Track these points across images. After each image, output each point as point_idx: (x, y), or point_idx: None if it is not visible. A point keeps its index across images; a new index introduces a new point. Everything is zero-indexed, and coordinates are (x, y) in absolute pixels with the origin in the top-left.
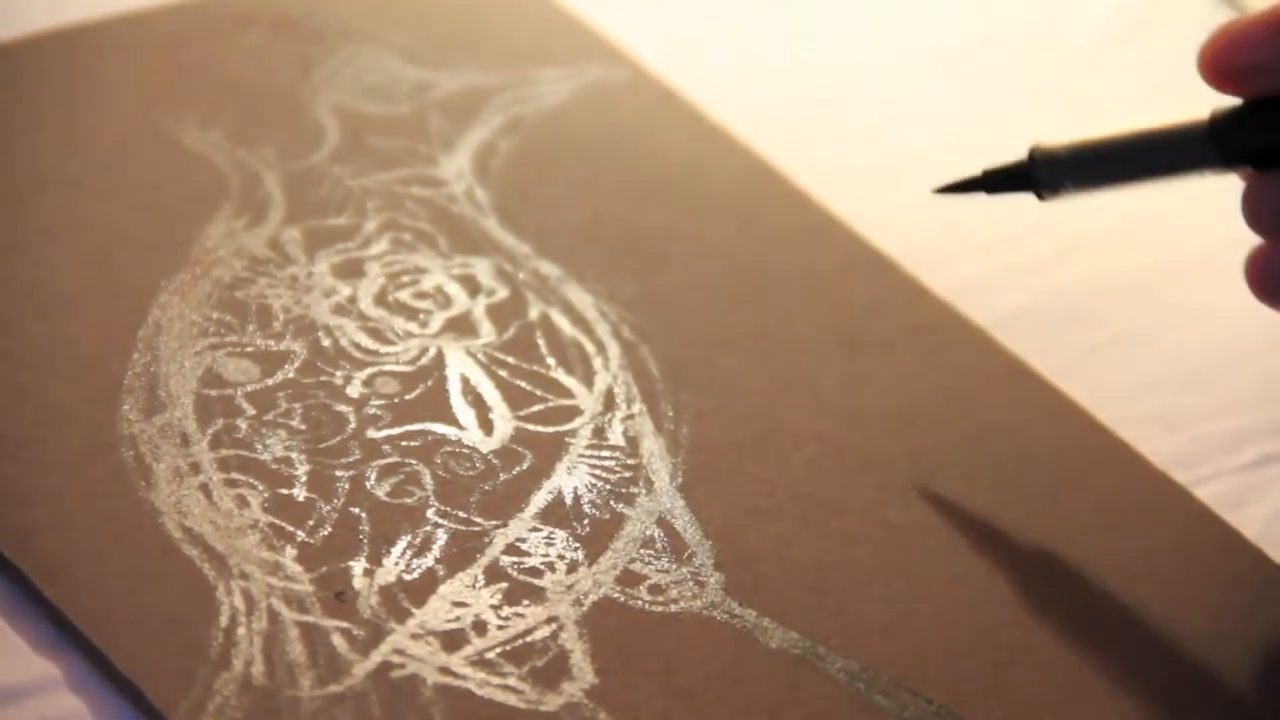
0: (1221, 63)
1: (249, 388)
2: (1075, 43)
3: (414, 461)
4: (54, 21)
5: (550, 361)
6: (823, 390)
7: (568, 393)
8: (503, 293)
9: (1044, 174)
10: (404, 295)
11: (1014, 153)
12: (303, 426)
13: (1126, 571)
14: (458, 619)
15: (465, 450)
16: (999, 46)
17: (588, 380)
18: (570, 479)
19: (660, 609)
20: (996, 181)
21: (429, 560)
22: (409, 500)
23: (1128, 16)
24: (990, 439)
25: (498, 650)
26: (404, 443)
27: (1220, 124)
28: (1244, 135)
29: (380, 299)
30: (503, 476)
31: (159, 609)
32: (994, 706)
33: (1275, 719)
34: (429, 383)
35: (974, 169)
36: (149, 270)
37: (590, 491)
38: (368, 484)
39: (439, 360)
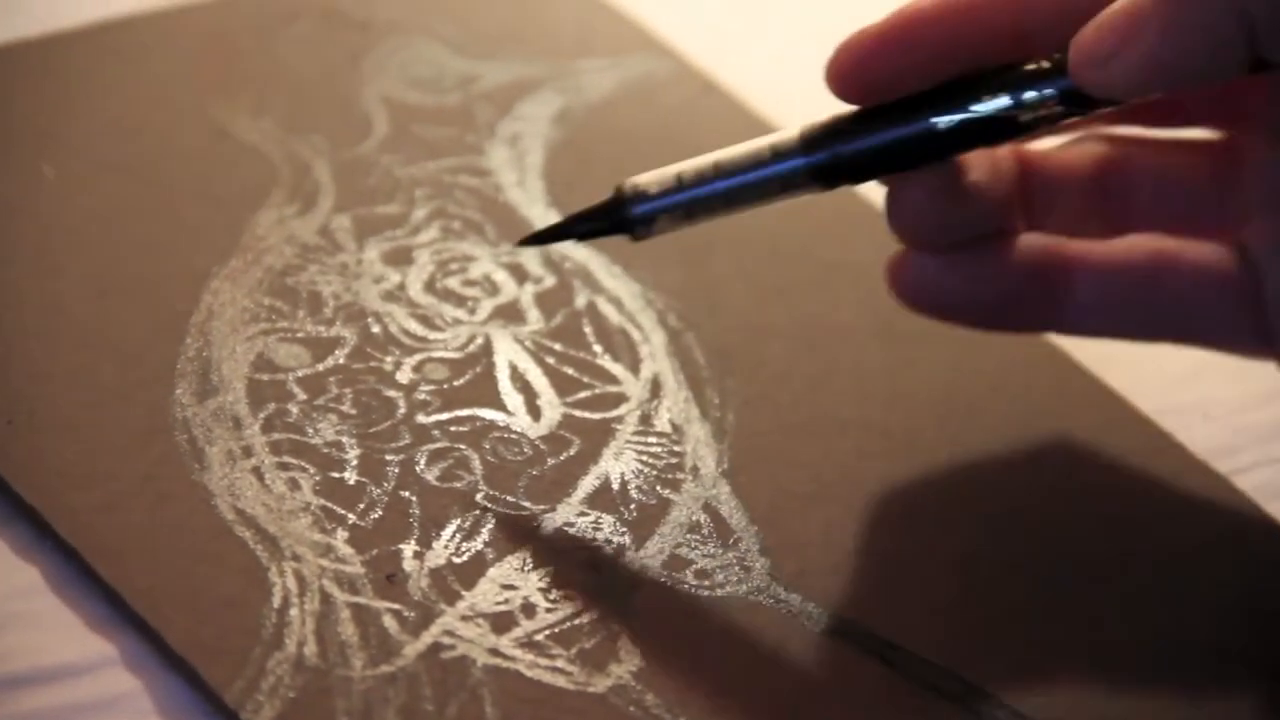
0: (847, 77)
1: (300, 373)
2: None
3: (463, 446)
4: (105, 13)
5: (597, 348)
6: (866, 377)
7: (614, 379)
8: (550, 280)
9: (637, 212)
10: (453, 282)
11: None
12: (353, 411)
13: (1168, 561)
14: (507, 601)
15: (514, 436)
16: None
17: (634, 367)
18: (617, 465)
19: (706, 593)
20: (585, 226)
21: (478, 543)
22: (458, 484)
23: None
24: (1031, 428)
25: (546, 633)
26: (453, 428)
27: (811, 137)
28: (833, 146)
29: (429, 286)
30: (550, 462)
31: (213, 590)
32: (1039, 692)
33: None
34: (478, 369)
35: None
36: (201, 256)
37: (637, 477)
38: (418, 468)
39: (487, 347)
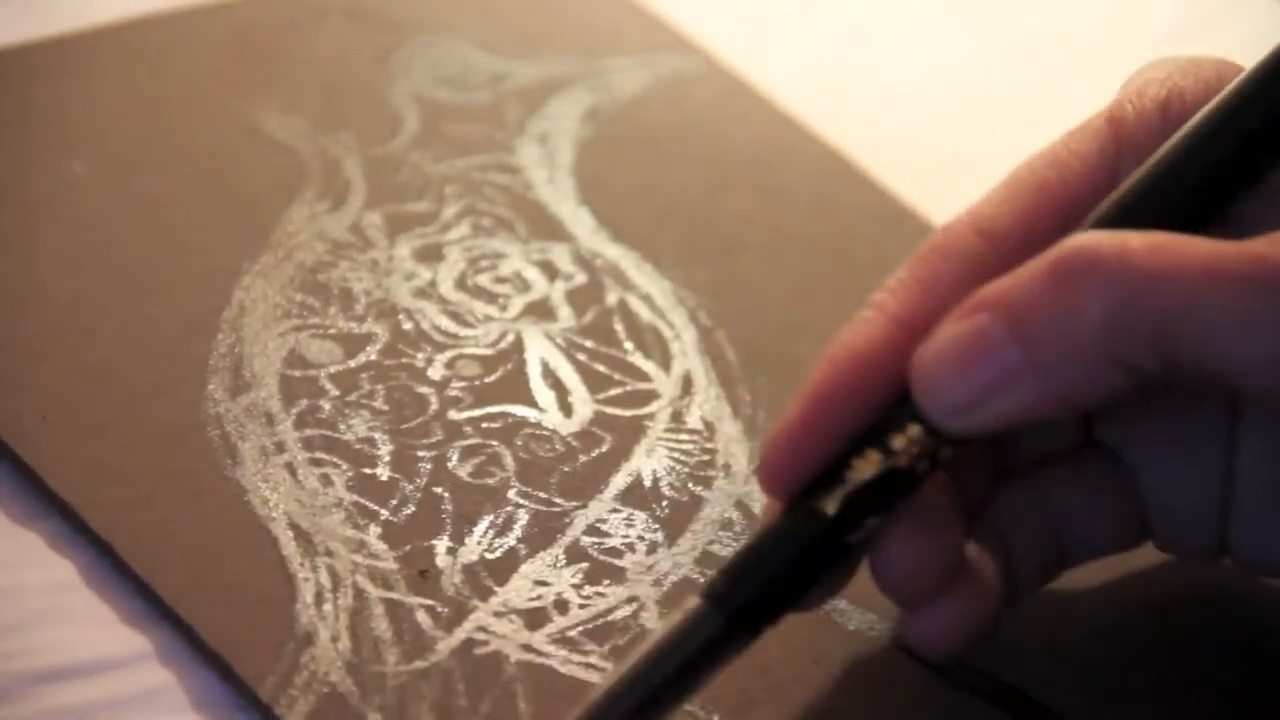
0: (781, 483)
1: (332, 369)
2: (1145, 37)
3: (495, 443)
4: (136, 10)
5: (628, 346)
6: None
7: (646, 377)
8: (581, 278)
9: None
10: (483, 279)
11: None
12: (385, 407)
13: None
14: (539, 597)
15: (545, 432)
16: (1070, 39)
17: (665, 364)
18: (649, 461)
19: None
20: None
21: (511, 540)
22: (491, 481)
23: (1199, 12)
24: None
25: (579, 629)
26: (485, 424)
27: (716, 593)
28: (742, 599)
29: (460, 283)
30: (582, 458)
31: (246, 585)
32: (1071, 690)
33: None
34: (509, 366)
35: None
36: (232, 253)
37: (669, 474)
38: (450, 464)
39: (519, 344)
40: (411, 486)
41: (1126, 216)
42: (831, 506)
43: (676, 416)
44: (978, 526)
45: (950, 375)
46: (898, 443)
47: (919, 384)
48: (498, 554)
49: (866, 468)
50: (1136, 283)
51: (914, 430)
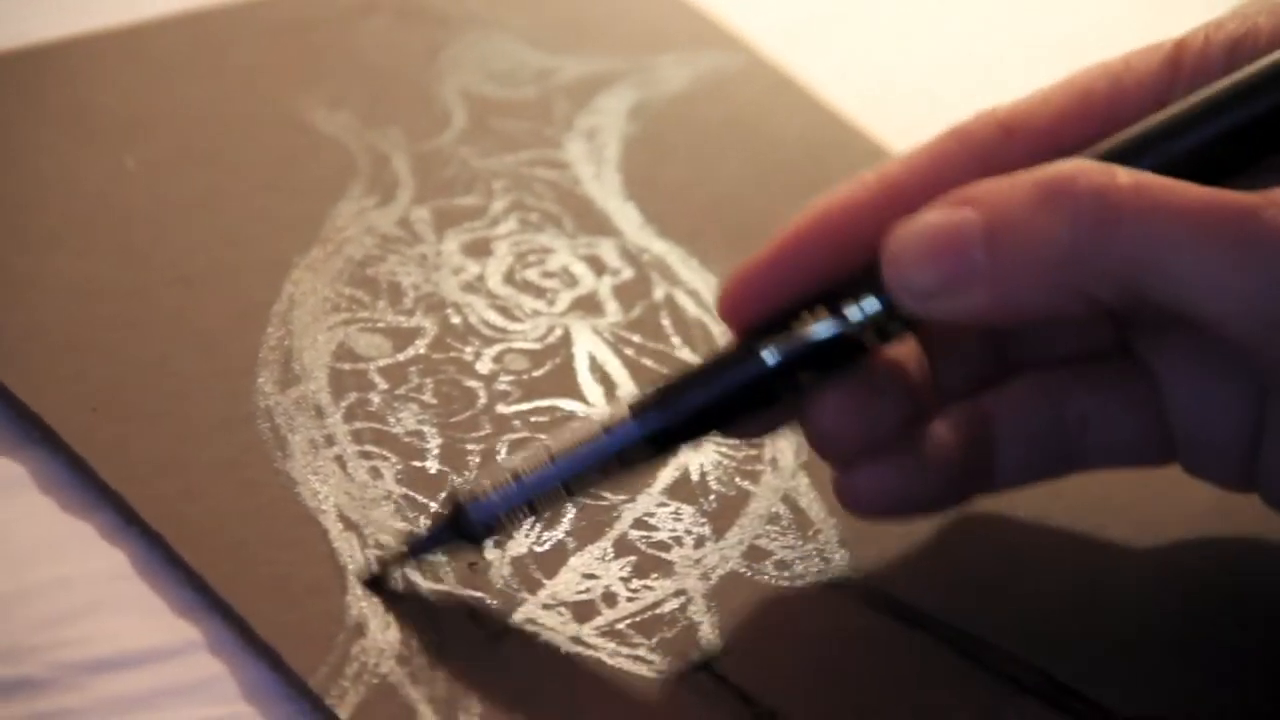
0: (738, 312)
1: (381, 362)
2: None
3: (543, 437)
4: (185, 5)
5: (675, 340)
6: None
7: None
8: (628, 273)
9: (476, 518)
10: (531, 274)
11: None
12: (434, 401)
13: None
14: (588, 590)
15: None
16: (1114, 40)
17: None
18: (697, 456)
19: (786, 584)
20: (428, 545)
21: (559, 533)
22: None
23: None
24: None
25: (627, 621)
26: (533, 418)
27: (641, 405)
28: (664, 410)
29: (508, 277)
30: None
31: (296, 576)
32: (1114, 681)
33: None
34: (557, 360)
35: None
36: (282, 247)
37: (716, 469)
38: (498, 458)
39: (566, 338)
40: (460, 479)
41: (1139, 148)
42: (771, 356)
43: None
44: (961, 405)
45: (920, 258)
46: (851, 310)
47: (888, 257)
48: (546, 547)
49: (816, 326)
50: (1109, 219)
51: (870, 301)
